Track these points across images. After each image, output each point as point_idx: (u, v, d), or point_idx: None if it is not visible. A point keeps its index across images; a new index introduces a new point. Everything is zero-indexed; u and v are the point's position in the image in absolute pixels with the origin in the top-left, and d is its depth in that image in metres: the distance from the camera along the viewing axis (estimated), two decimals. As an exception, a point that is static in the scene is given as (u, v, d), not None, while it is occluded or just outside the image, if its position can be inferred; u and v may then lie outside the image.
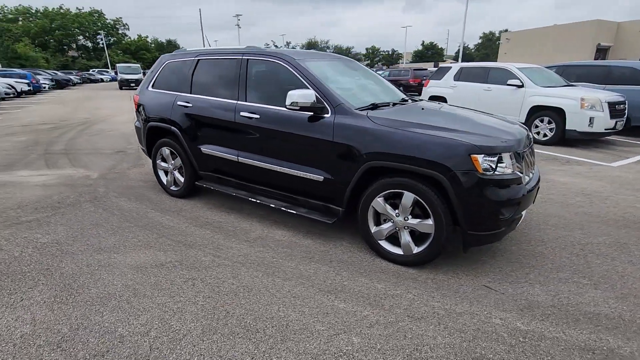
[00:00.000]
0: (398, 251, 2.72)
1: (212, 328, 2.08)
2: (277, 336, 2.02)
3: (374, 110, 2.87)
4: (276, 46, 79.99)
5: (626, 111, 7.01)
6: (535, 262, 2.80)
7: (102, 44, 61.53)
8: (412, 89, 18.37)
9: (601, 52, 29.07)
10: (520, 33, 36.54)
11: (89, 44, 66.42)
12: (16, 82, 19.56)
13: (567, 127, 6.72)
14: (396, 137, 2.53)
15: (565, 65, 9.15)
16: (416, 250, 2.64)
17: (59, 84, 28.46)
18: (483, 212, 2.38)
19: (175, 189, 4.13)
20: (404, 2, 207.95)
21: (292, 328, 2.08)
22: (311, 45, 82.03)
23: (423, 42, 72.87)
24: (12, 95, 18.45)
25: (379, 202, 2.69)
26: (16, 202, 4.04)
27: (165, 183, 4.23)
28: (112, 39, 67.23)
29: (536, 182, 2.78)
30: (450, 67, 9.19)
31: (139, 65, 30.86)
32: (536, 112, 7.19)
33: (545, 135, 7.10)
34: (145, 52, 66.53)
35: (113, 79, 39.85)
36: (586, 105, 6.51)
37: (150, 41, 71.78)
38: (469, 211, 2.38)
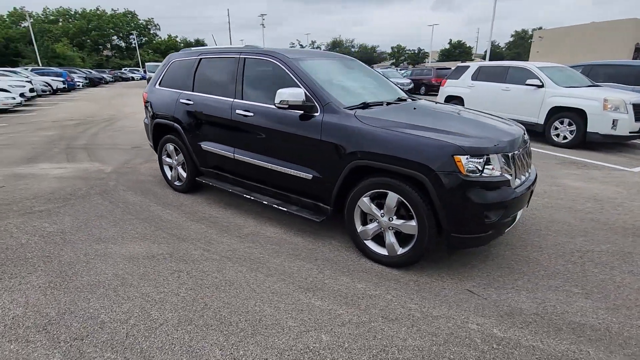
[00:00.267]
0: (383, 252, 2.70)
1: (188, 319, 2.14)
2: (248, 330, 2.06)
3: (364, 109, 2.86)
4: (301, 45, 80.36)
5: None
6: (527, 268, 2.70)
7: (134, 43, 63.98)
8: (435, 88, 17.98)
9: (641, 51, 27.44)
10: (554, 31, 35.07)
11: (122, 44, 69.23)
12: (52, 80, 20.71)
13: (589, 129, 6.40)
14: (380, 136, 2.51)
15: (592, 64, 8.70)
16: (400, 251, 2.61)
17: (92, 82, 29.84)
18: (466, 214, 2.32)
19: (179, 184, 4.26)
20: (434, 0, 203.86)
21: (264, 323, 2.12)
22: (336, 44, 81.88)
23: (450, 40, 71.19)
24: (48, 93, 19.53)
25: (364, 202, 2.68)
26: (33, 192, 4.30)
27: (169, 178, 4.37)
28: (143, 39, 69.79)
29: (530, 184, 2.68)
30: (468, 66, 8.95)
31: (166, 64, 31.77)
32: (556, 114, 6.89)
33: (565, 137, 6.79)
34: (174, 52, 68.58)
35: (143, 78, 41.36)
36: (609, 107, 6.18)
37: (179, 41, 73.94)
38: (452, 213, 2.33)
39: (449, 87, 9.21)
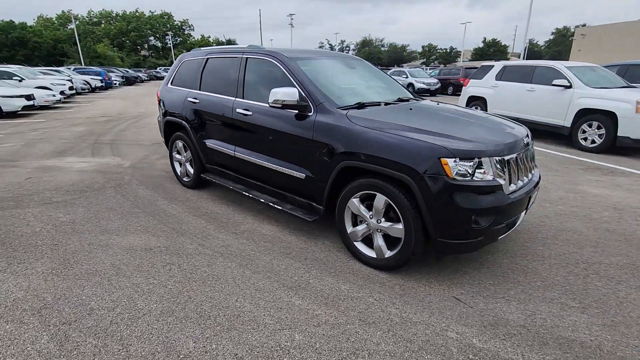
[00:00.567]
0: (372, 254, 2.67)
1: (170, 310, 2.21)
2: (225, 324, 2.10)
3: (358, 109, 2.83)
4: (330, 45, 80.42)
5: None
6: (523, 278, 2.58)
7: (170, 44, 66.50)
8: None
9: (696, 48, 25.28)
10: (598, 28, 33.08)
11: (159, 44, 72.18)
12: (92, 78, 21.94)
13: (619, 133, 5.98)
14: (368, 137, 2.48)
15: (629, 64, 8.12)
16: (388, 254, 2.56)
17: (128, 81, 31.31)
18: (453, 219, 2.25)
19: (187, 180, 4.40)
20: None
21: (242, 319, 2.15)
22: (365, 43, 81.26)
23: (484, 38, 68.74)
24: (87, 91, 20.72)
25: (354, 203, 2.66)
26: (55, 184, 4.58)
27: (179, 174, 4.52)
28: (178, 39, 72.39)
29: (530, 189, 2.56)
30: (492, 66, 8.62)
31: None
32: (584, 116, 6.50)
33: (593, 141, 6.40)
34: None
35: (176, 77, 42.82)
36: (643, 109, 5.75)
37: (212, 41, 76.10)
38: (438, 217, 2.26)
39: (472, 88, 8.91)
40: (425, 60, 74.67)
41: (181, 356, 1.86)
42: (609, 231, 3.31)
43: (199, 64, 4.04)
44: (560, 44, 70.08)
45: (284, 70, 3.08)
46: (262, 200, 3.34)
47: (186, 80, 4.18)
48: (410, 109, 2.97)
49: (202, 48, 4.21)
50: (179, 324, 2.10)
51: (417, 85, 18.90)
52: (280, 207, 3.17)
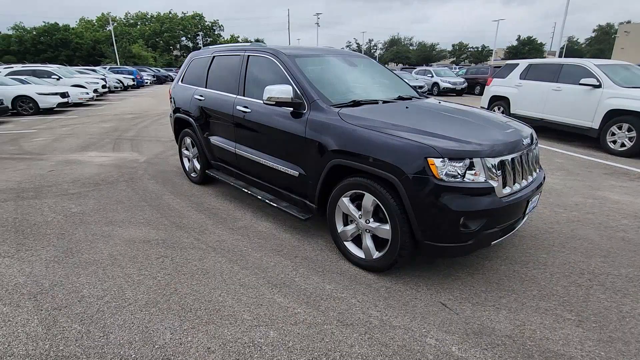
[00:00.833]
0: (361, 254, 2.62)
1: (154, 302, 2.27)
2: (204, 318, 2.13)
3: (352, 107, 2.79)
4: (358, 44, 79.90)
5: None
6: (519, 286, 2.45)
7: (200, 44, 68.38)
8: (490, 88, 16.82)
9: None
10: (643, 24, 30.91)
11: (190, 44, 74.35)
12: (124, 77, 22.94)
13: (652, 136, 5.57)
14: (357, 135, 2.43)
15: (670, 61, 7.52)
16: (376, 255, 2.51)
17: (159, 80, 32.50)
18: (439, 221, 2.17)
19: (194, 175, 4.50)
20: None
21: (221, 313, 2.17)
22: (394, 42, 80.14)
23: (519, 36, 65.93)
24: (119, 89, 21.68)
25: (344, 202, 2.62)
26: (73, 177, 4.82)
27: (187, 169, 4.64)
28: (208, 39, 74.27)
29: (528, 192, 2.42)
30: (517, 64, 8.25)
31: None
32: (614, 117, 6.09)
33: (623, 145, 5.99)
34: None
35: (205, 76, 44.08)
36: (680, 111, 5.32)
37: (241, 41, 77.60)
38: (423, 219, 2.19)
39: (495, 87, 8.58)
40: (455, 59, 72.67)
41: (156, 346, 1.91)
42: (624, 240, 3.08)
43: (206, 61, 4.12)
44: (603, 42, 66.17)
45: (281, 67, 3.09)
46: (260, 197, 3.36)
47: (194, 78, 4.28)
48: (407, 108, 2.89)
49: (210, 46, 4.28)
50: (160, 315, 2.15)
51: (443, 84, 18.41)
52: (275, 205, 3.18)
